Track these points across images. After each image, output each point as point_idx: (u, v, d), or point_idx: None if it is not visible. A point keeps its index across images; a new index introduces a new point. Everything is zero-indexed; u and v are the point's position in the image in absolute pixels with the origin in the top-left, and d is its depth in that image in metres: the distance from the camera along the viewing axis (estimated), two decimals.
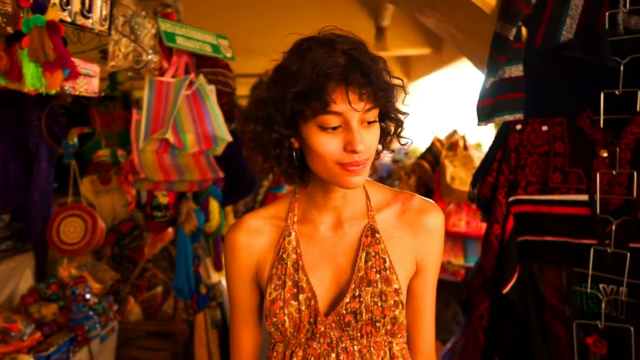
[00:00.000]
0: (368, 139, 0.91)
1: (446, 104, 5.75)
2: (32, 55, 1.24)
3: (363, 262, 0.99)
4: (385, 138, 1.00)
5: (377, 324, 0.97)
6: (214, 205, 2.43)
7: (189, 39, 2.25)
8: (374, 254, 1.00)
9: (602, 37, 1.43)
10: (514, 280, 1.57)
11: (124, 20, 1.76)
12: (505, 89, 1.56)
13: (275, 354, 1.04)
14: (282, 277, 1.01)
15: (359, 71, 0.87)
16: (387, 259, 1.00)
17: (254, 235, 1.04)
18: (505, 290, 1.56)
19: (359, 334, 0.98)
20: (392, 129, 1.00)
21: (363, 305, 0.97)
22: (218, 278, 2.60)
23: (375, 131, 0.93)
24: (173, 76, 2.22)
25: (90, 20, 1.61)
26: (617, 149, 1.43)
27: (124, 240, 2.97)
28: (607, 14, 1.44)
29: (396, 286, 0.98)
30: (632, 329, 1.40)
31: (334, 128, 0.89)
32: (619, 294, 1.44)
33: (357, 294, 0.97)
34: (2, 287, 2.28)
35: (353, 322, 0.97)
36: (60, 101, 2.48)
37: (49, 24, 1.27)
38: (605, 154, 1.45)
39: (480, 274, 1.67)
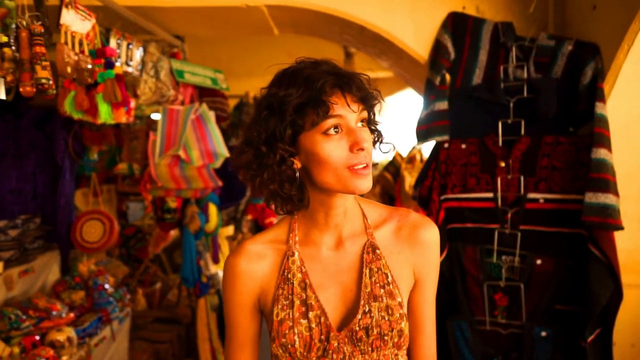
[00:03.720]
0: (367, 138, 0.98)
1: (408, 120, 6.45)
2: (107, 98, 1.85)
3: (368, 278, 1.04)
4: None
5: (386, 338, 1.01)
6: (212, 209, 3.03)
7: (194, 74, 2.87)
8: (376, 269, 1.05)
9: (498, 83, 2.12)
10: (444, 256, 2.22)
11: (151, 64, 2.37)
12: (436, 118, 2.24)
13: None
14: (290, 296, 1.03)
15: (347, 79, 0.96)
16: (389, 274, 1.05)
17: (255, 260, 1.06)
18: None
19: (369, 348, 1.01)
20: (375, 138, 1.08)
21: (374, 320, 1.01)
22: (215, 270, 3.18)
23: (369, 134, 1.01)
24: (181, 104, 2.83)
25: (131, 68, 2.22)
26: (510, 161, 2.11)
27: (129, 242, 3.53)
28: (501, 67, 2.14)
29: (399, 299, 1.04)
30: (522, 285, 2.08)
31: (336, 130, 0.96)
32: (514, 262, 2.12)
33: (367, 310, 1.01)
34: (37, 278, 2.82)
35: (364, 337, 1.01)
36: (80, 125, 3.04)
37: (117, 76, 1.88)
38: (503, 164, 2.13)
39: None
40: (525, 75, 2.09)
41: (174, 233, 3.45)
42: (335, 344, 1.00)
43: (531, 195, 2.08)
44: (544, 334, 2.03)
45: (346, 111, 0.96)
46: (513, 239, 2.11)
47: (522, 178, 2.09)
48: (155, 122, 3.04)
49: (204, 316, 2.96)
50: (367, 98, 0.99)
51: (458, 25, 2.21)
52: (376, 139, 1.08)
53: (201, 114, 2.85)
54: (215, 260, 3.16)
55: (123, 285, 3.10)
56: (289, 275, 1.04)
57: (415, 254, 1.08)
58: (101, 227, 3.00)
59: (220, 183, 2.90)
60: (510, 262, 2.13)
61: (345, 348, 1.00)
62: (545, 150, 2.06)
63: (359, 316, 1.01)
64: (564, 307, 2.03)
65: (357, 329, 1.00)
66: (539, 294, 2.06)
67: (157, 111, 3.07)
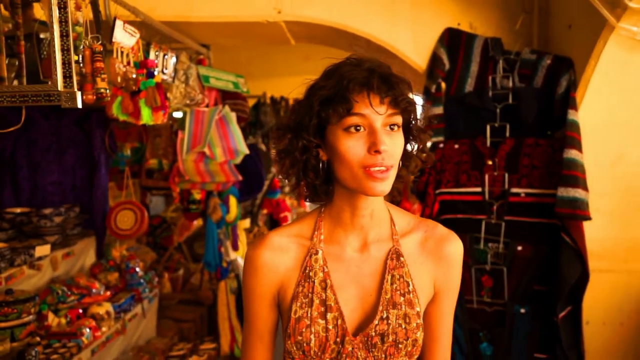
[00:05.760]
0: (391, 143, 0.97)
1: None
2: (148, 103, 2.21)
3: (389, 284, 1.04)
4: (406, 154, 1.05)
5: (400, 346, 1.02)
6: (232, 201, 3.39)
7: (218, 79, 3.23)
8: (398, 277, 1.05)
9: (487, 91, 2.45)
10: None
11: (182, 72, 2.74)
12: (432, 122, 2.57)
13: None
14: (309, 294, 1.04)
15: (380, 79, 0.95)
16: (410, 283, 1.05)
17: (278, 253, 1.07)
18: None
19: (383, 355, 1.02)
20: (414, 147, 1.07)
21: (390, 327, 1.02)
22: (235, 256, 3.54)
23: (398, 139, 1.00)
24: (206, 106, 3.19)
25: (166, 76, 2.58)
26: (496, 159, 2.44)
27: (156, 231, 3.91)
28: (490, 77, 2.47)
29: (418, 309, 1.04)
30: (505, 269, 2.40)
31: (357, 129, 0.96)
32: (498, 248, 2.44)
33: (384, 316, 1.02)
34: (76, 260, 3.20)
35: (379, 343, 1.02)
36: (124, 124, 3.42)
37: (157, 84, 2.24)
38: (490, 162, 2.46)
39: None
40: (511, 84, 2.42)
41: (196, 223, 3.82)
42: (350, 349, 1.01)
43: (514, 190, 2.40)
44: (523, 311, 2.35)
45: (370, 112, 0.95)
46: (498, 228, 2.43)
47: (506, 175, 2.42)
48: (176, 119, 3.38)
49: (224, 297, 3.32)
50: (399, 102, 0.97)
51: (453, 40, 2.54)
52: (415, 146, 1.06)
53: (224, 115, 3.21)
54: (235, 248, 3.52)
55: (151, 270, 3.47)
56: (311, 274, 1.05)
57: (438, 267, 1.09)
58: (133, 216, 3.36)
59: (240, 177, 3.25)
60: (495, 248, 2.46)
61: (359, 353, 1.02)
62: (527, 150, 2.38)
63: (375, 322, 1.02)
64: (540, 287, 2.36)
65: (373, 334, 1.01)
66: (520, 276, 2.39)
67: (177, 110, 3.42)
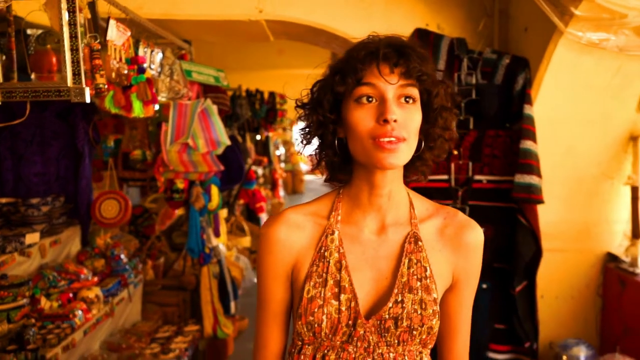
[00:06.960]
0: (403, 115, 0.94)
1: None
2: (140, 97, 2.38)
3: (406, 268, 1.02)
4: (429, 134, 1.03)
5: (414, 332, 1.00)
6: (214, 190, 3.57)
7: (200, 73, 3.39)
8: (415, 261, 1.03)
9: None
10: None
11: (168, 67, 2.90)
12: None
13: (302, 357, 1.04)
14: (324, 274, 1.02)
15: (392, 48, 0.95)
16: (428, 268, 1.03)
17: (295, 230, 1.05)
18: None
19: (396, 341, 1.00)
20: (438, 126, 1.03)
21: (405, 312, 0.99)
22: (217, 243, 3.73)
23: (413, 113, 0.96)
24: (189, 99, 3.35)
25: (153, 71, 2.74)
26: (461, 149, 2.69)
27: (137, 220, 4.05)
28: (456, 74, 2.71)
29: (435, 295, 1.02)
30: None
31: (369, 100, 0.95)
32: None
33: (399, 299, 1.00)
34: (63, 248, 3.33)
35: (392, 328, 1.00)
36: (99, 116, 3.56)
37: (147, 80, 2.41)
38: (456, 152, 2.71)
39: None
40: (474, 81, 2.67)
41: (178, 212, 3.99)
42: (361, 332, 0.99)
43: (477, 177, 2.66)
44: (484, 286, 2.62)
45: (381, 82, 0.94)
46: (463, 212, 2.67)
47: (470, 163, 2.67)
48: (155, 111, 3.52)
49: (206, 282, 3.50)
50: (411, 71, 0.95)
51: (422, 39, 2.77)
52: (433, 120, 1.02)
53: (206, 108, 3.37)
54: (217, 234, 3.70)
55: (135, 257, 3.62)
56: (326, 254, 1.03)
57: (458, 255, 1.07)
58: (117, 205, 3.50)
59: (222, 167, 3.43)
60: None
61: (370, 337, 1.00)
62: (488, 141, 2.64)
63: (389, 304, 0.99)
64: (500, 265, 2.63)
65: (387, 317, 0.99)
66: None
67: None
